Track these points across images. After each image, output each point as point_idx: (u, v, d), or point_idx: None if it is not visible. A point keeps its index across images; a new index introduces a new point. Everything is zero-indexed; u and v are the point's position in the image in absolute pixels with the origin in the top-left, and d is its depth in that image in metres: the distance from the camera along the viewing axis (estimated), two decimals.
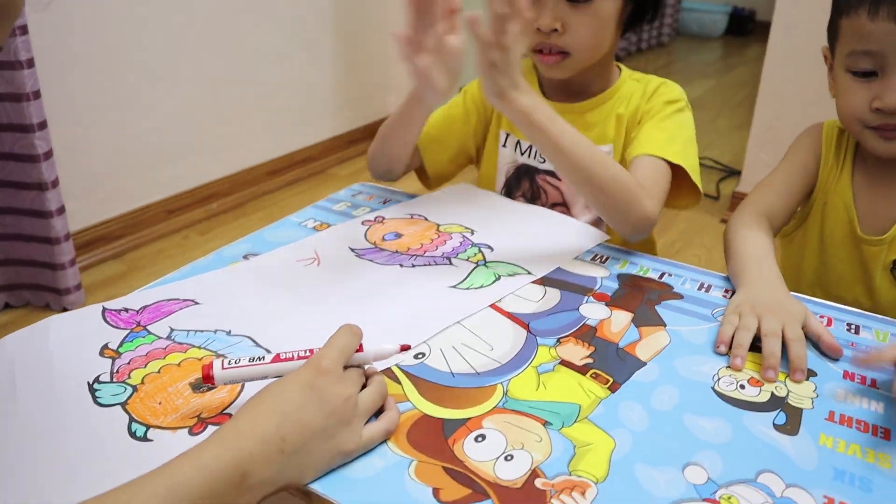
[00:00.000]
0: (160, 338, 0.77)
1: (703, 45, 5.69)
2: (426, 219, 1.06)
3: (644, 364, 0.74)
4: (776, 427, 0.66)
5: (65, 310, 1.83)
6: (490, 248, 0.97)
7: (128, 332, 0.77)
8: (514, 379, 0.71)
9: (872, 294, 1.00)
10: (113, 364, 0.72)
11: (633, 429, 0.65)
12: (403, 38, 0.91)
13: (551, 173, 1.13)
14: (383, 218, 1.06)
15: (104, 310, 0.81)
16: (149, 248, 2.24)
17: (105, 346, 0.75)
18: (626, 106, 1.10)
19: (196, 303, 0.83)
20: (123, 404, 0.66)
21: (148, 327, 0.78)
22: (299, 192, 2.66)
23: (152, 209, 2.28)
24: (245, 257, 0.96)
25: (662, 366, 0.74)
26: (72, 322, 0.78)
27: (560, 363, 0.74)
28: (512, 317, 0.82)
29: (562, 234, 1.01)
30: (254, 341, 0.76)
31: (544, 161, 1.14)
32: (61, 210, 1.76)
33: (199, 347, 0.75)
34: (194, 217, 2.39)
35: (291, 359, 0.64)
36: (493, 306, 0.84)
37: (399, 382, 0.71)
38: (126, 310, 0.81)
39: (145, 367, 0.72)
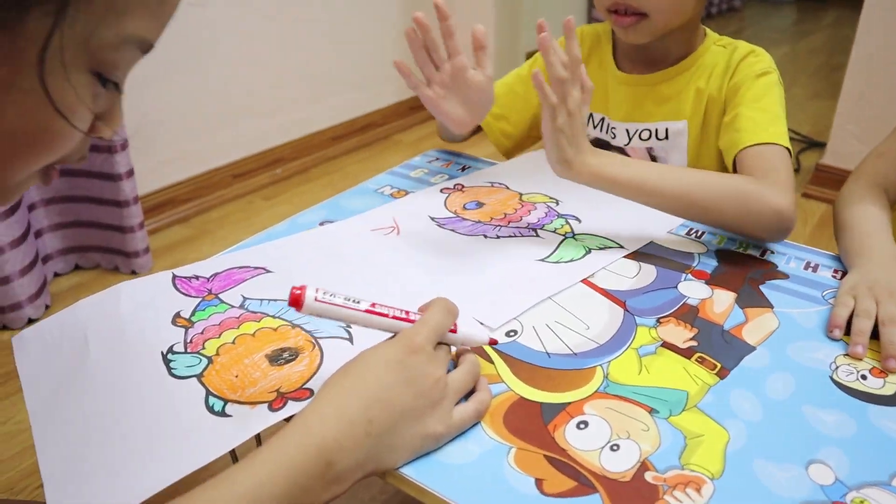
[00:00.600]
0: (233, 307, 0.74)
1: (777, 11, 5.45)
2: (507, 187, 1.01)
3: (753, 349, 0.69)
4: None
5: (133, 273, 1.85)
6: (577, 219, 0.92)
7: (199, 300, 0.75)
8: (614, 361, 0.67)
9: None
10: (186, 333, 0.69)
11: (747, 420, 0.60)
12: (403, 69, 0.93)
13: (622, 150, 1.07)
14: (462, 186, 1.02)
15: (174, 277, 0.78)
16: (215, 213, 2.24)
17: (177, 315, 0.72)
18: (708, 79, 1.00)
19: (268, 271, 0.80)
20: (199, 376, 0.64)
21: (220, 295, 0.76)
22: (363, 159, 2.63)
23: (219, 173, 2.28)
24: (321, 224, 0.93)
25: (773, 351, 0.68)
26: (143, 288, 0.76)
27: (662, 345, 0.69)
28: (607, 294, 0.77)
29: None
30: None
31: (615, 136, 1.08)
32: (130, 173, 1.76)
33: (274, 317, 0.72)
34: (259, 182, 2.38)
35: (386, 315, 0.59)
36: (585, 282, 0.79)
37: (492, 362, 0.67)
38: (196, 277, 0.79)
39: (219, 336, 0.69)
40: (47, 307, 1.72)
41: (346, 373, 0.56)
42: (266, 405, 0.60)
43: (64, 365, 0.66)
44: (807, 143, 2.72)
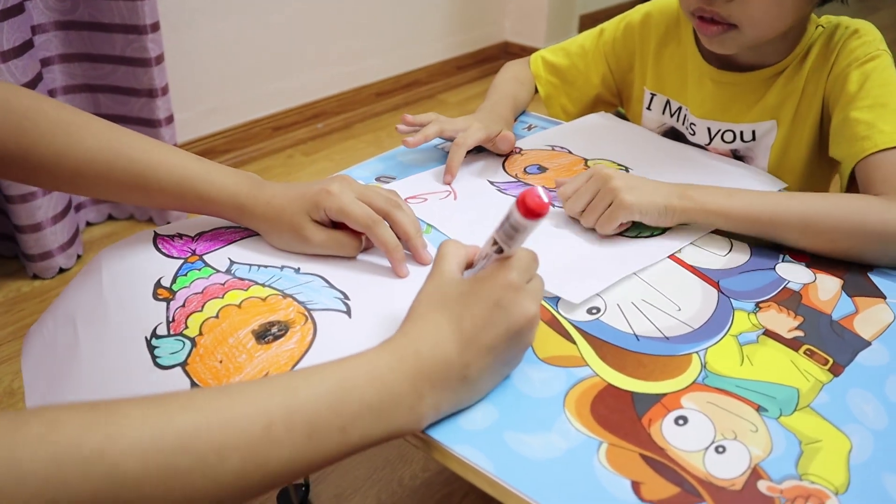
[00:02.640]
0: (218, 271, 0.66)
1: None
2: (570, 152, 0.93)
3: (868, 344, 0.61)
4: None
5: (167, 223, 1.79)
6: None
7: (182, 262, 0.67)
8: (711, 349, 0.59)
9: None
10: (168, 309, 0.62)
11: (870, 426, 0.52)
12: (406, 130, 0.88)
13: (700, 147, 0.97)
14: (521, 149, 0.94)
15: (156, 236, 0.71)
16: (254, 166, 2.17)
17: (158, 285, 0.64)
18: (799, 70, 0.87)
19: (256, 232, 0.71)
20: (183, 365, 0.56)
21: (204, 257, 0.68)
22: None
23: (259, 125, 2.21)
24: (378, 180, 0.86)
25: (892, 348, 0.60)
26: (121, 255, 0.68)
27: (764, 333, 0.61)
28: (697, 272, 0.69)
29: (735, 178, 0.86)
30: (326, 282, 0.65)
31: (694, 133, 0.97)
32: (170, 119, 1.70)
33: (263, 285, 0.64)
34: (300, 136, 2.31)
35: None
36: (672, 258, 0.71)
37: (573, 342, 0.59)
38: (180, 236, 0.71)
39: (202, 309, 0.61)
40: (79, 257, 1.67)
41: (442, 305, 0.52)
42: None
43: (58, 360, 0.60)
44: None
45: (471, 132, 0.86)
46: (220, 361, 0.56)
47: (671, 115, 1.00)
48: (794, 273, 0.70)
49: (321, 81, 2.35)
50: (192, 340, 0.58)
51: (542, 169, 0.88)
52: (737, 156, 0.95)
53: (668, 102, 1.00)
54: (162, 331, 0.59)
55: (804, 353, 0.59)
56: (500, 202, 0.80)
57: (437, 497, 1.10)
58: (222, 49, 2.03)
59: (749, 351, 0.59)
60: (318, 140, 2.34)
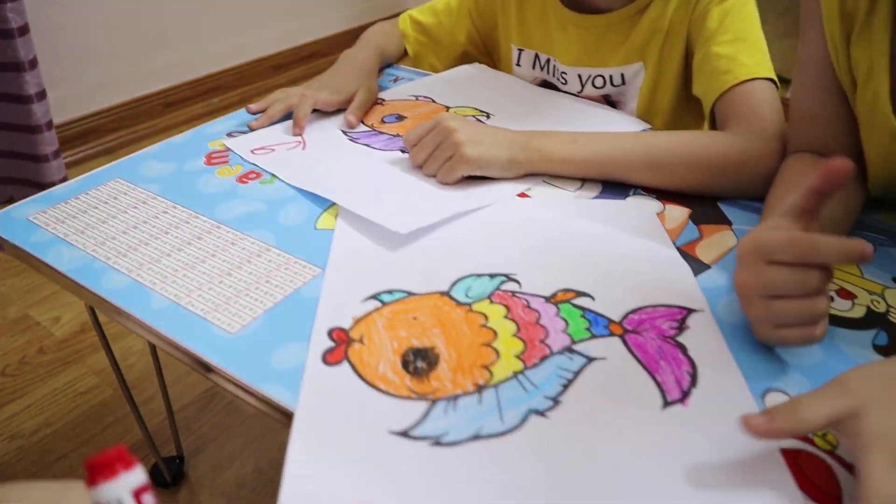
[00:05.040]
0: None
1: None
2: (433, 100, 0.91)
3: (708, 267, 0.60)
4: (876, 348, 0.53)
5: None
6: None
7: None
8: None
9: None
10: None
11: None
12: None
13: (574, 96, 0.95)
14: (383, 100, 0.91)
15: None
16: (144, 145, 2.07)
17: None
18: (663, 10, 0.85)
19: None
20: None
21: None
22: None
23: (148, 101, 2.12)
24: (230, 135, 0.82)
25: (730, 270, 0.60)
26: None
27: None
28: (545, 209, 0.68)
29: (597, 122, 0.85)
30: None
31: (566, 82, 0.95)
32: (42, 95, 1.60)
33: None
34: (195, 112, 2.23)
35: None
36: (521, 195, 0.69)
37: None
38: None
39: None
40: None
41: None
42: None
43: None
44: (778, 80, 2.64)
45: (324, 93, 0.84)
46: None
47: (541, 69, 0.98)
48: (643, 204, 0.69)
49: (217, 54, 2.28)
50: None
51: (400, 118, 0.85)
52: (609, 101, 0.94)
53: (536, 56, 0.98)
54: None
55: None
56: (350, 151, 0.77)
57: None
58: (103, 19, 1.94)
59: None
60: (215, 115, 2.26)
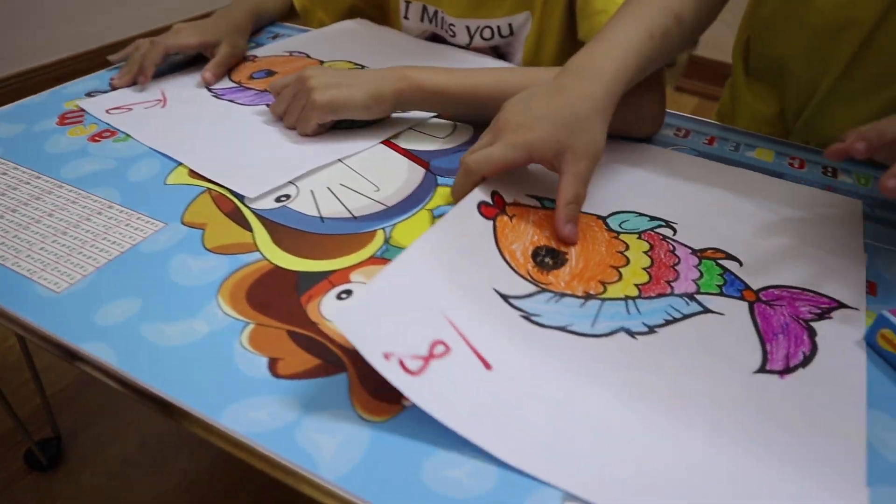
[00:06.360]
0: None
1: None
2: (308, 56, 0.87)
3: None
4: None
5: None
6: None
7: None
8: (400, 224, 0.55)
9: None
10: None
11: None
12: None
13: (463, 49, 0.92)
14: (255, 56, 0.87)
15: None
16: None
17: None
18: None
19: None
20: None
21: None
22: None
23: (40, 73, 2.03)
24: (89, 95, 0.78)
25: None
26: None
27: None
28: (409, 154, 0.65)
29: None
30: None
31: (454, 35, 0.92)
32: None
33: None
34: None
35: None
36: (387, 143, 0.67)
37: (250, 229, 0.54)
38: None
39: None
40: None
41: None
42: None
43: None
44: None
45: (180, 35, 0.79)
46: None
47: (430, 22, 0.96)
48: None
49: (110, 27, 2.19)
50: None
51: (270, 73, 0.82)
52: (498, 53, 0.92)
53: (424, 8, 0.95)
54: None
55: None
56: (214, 108, 0.74)
57: None
58: None
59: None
60: None
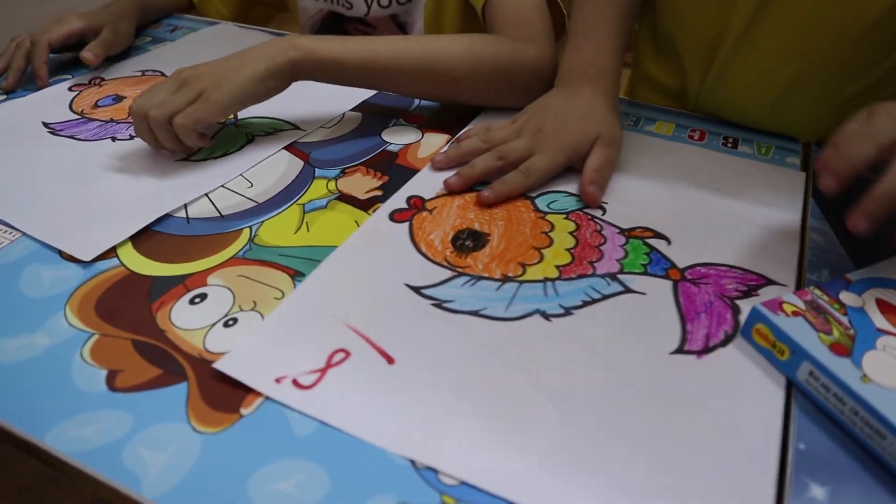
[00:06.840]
0: None
1: None
2: (163, 74, 0.80)
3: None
4: None
5: None
6: None
7: None
8: (268, 221, 0.54)
9: None
10: None
11: None
12: None
13: (362, 21, 0.89)
14: (102, 79, 0.79)
15: None
16: None
17: None
18: None
19: None
20: None
21: None
22: None
23: None
24: None
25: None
26: None
27: (338, 198, 0.57)
28: (290, 147, 0.64)
29: None
30: None
31: (351, 7, 0.89)
32: None
33: None
34: None
35: None
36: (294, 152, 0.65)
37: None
38: None
39: None
40: None
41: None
42: None
43: None
44: None
45: (63, 23, 0.77)
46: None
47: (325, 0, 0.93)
48: (399, 135, 0.66)
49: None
50: None
51: (118, 99, 0.75)
52: (397, 22, 0.90)
53: None
54: None
55: (374, 211, 0.55)
56: (50, 148, 0.64)
57: None
58: None
59: (311, 217, 0.54)
60: None
